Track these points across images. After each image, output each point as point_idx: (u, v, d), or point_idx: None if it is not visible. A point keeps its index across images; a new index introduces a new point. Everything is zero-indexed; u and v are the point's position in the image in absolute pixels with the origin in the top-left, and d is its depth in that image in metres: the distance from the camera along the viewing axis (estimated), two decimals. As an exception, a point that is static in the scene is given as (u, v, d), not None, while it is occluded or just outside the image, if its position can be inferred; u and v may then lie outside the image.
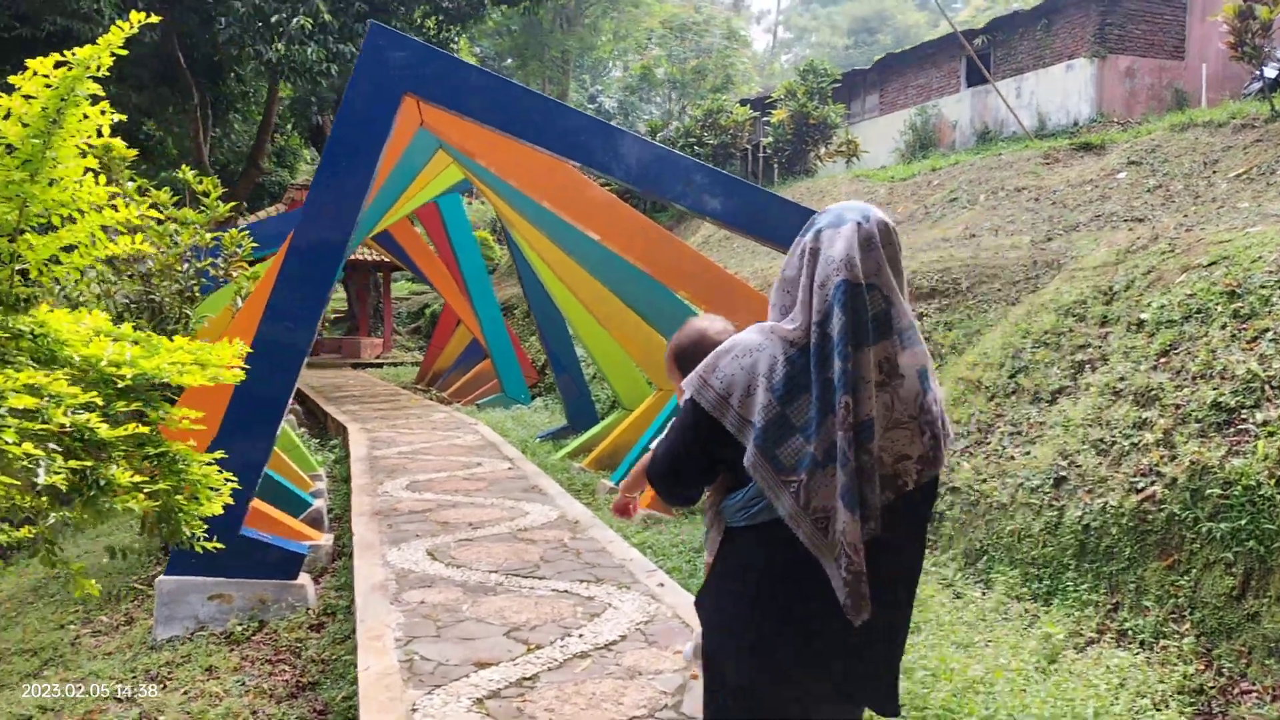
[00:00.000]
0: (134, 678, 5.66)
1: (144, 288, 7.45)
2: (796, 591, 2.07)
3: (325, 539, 7.59)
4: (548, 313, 12.92)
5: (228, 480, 3.23)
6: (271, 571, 6.31)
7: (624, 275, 9.24)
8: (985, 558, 6.30)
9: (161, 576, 6.20)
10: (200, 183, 7.51)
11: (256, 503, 7.31)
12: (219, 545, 3.35)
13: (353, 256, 25.06)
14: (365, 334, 27.53)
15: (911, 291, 10.54)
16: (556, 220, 8.97)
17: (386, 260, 23.67)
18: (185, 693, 5.36)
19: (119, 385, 3.01)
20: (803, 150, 22.82)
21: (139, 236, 7.35)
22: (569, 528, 7.13)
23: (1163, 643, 4.83)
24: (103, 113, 3.17)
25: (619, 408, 11.61)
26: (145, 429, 2.90)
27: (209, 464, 3.11)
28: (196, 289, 7.70)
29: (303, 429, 14.82)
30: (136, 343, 3.15)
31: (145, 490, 2.87)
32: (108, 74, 3.14)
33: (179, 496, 2.91)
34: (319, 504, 8.51)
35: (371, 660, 4.41)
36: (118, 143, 7.65)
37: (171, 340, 6.97)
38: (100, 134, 3.46)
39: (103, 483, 2.75)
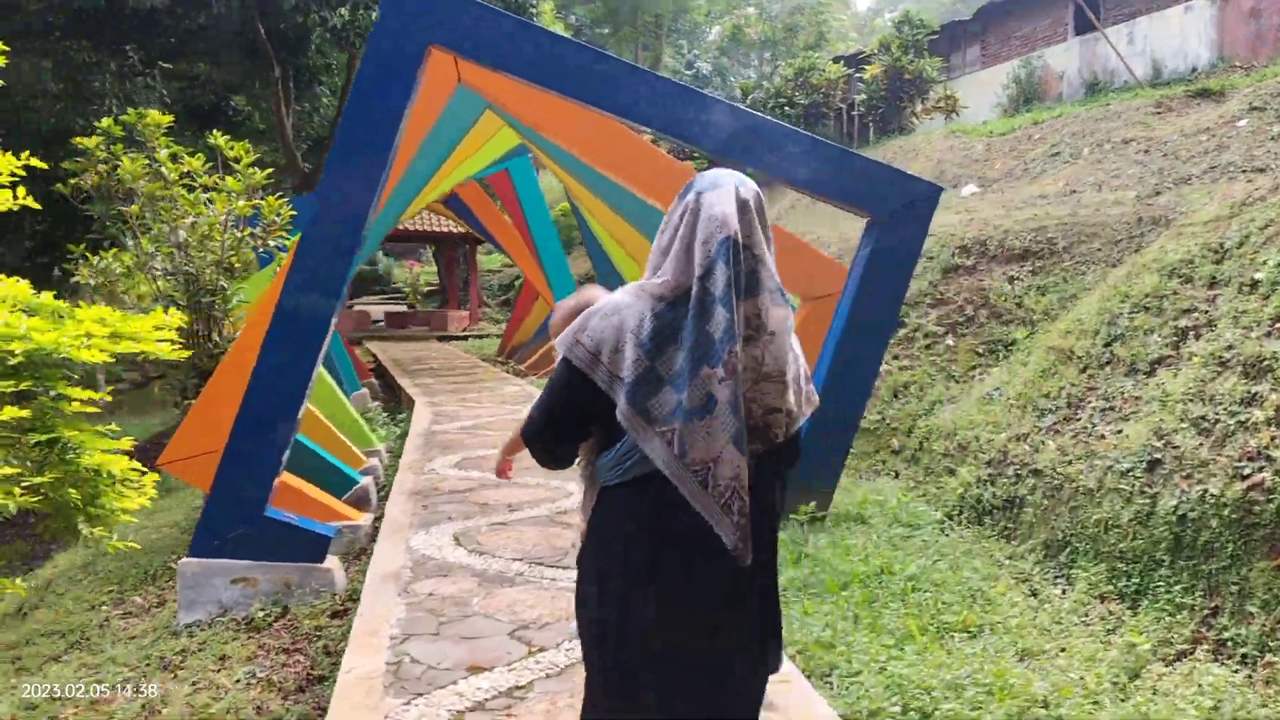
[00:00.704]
0: (148, 665, 5.43)
1: (181, 258, 7.23)
2: (670, 544, 2.13)
3: (365, 519, 7.30)
4: (612, 277, 12.46)
5: (145, 472, 2.82)
6: (297, 554, 6.02)
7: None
8: (1067, 550, 5.61)
9: (184, 559, 5.96)
10: (231, 148, 7.23)
11: (295, 482, 7.07)
12: (119, 545, 2.93)
13: (438, 229, 25.01)
14: (454, 306, 27.53)
15: (1003, 253, 9.72)
16: (614, 186, 8.47)
17: (473, 232, 23.50)
18: (194, 684, 5.09)
19: (9, 363, 2.64)
20: (897, 107, 21.75)
21: (163, 205, 7.18)
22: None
23: (1269, 658, 4.11)
24: None
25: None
26: (22, 412, 2.51)
27: (112, 452, 2.71)
28: (235, 260, 7.44)
29: (377, 402, 14.73)
30: (33, 312, 2.77)
31: (24, 484, 2.48)
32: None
33: (72, 490, 2.51)
34: (366, 482, 8.24)
35: (357, 660, 4.03)
36: (153, 113, 7.43)
37: (211, 314, 6.57)
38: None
39: (-36, 477, 2.37)
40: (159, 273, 7.17)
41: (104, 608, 6.60)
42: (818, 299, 7.62)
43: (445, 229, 24.62)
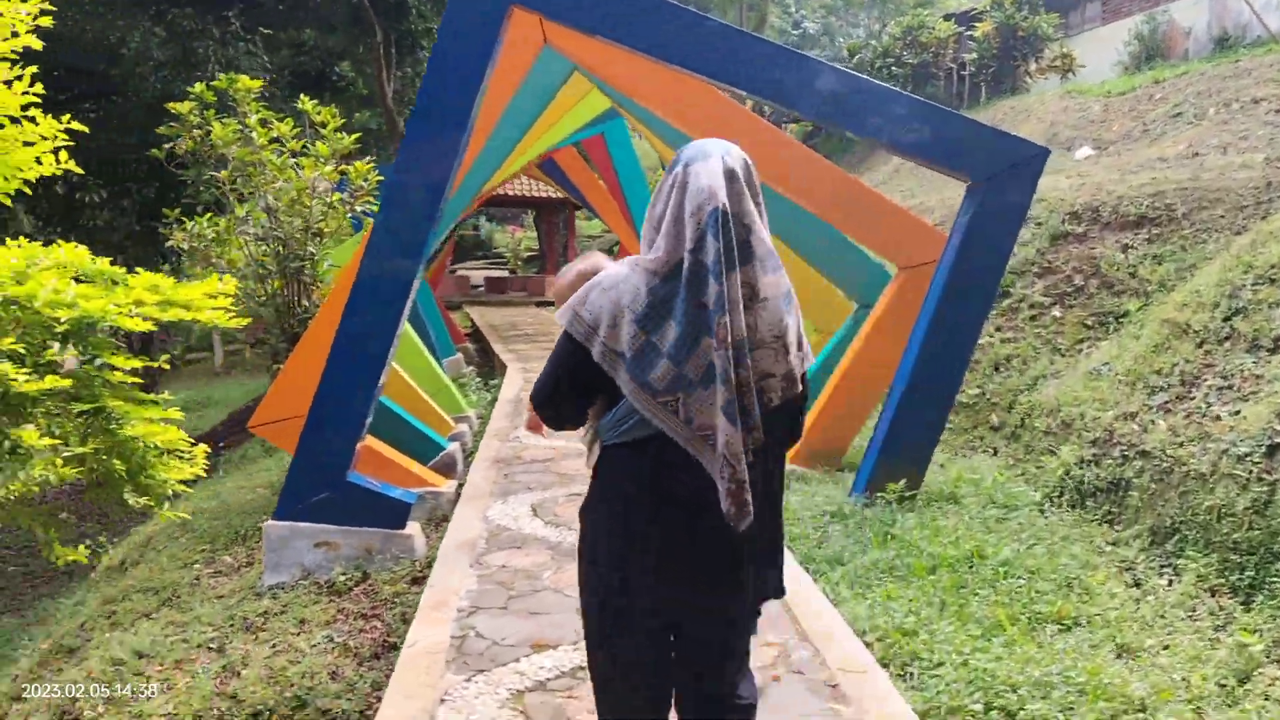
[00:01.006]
0: (232, 625, 5.53)
1: (270, 223, 7.31)
2: (670, 504, 2.20)
3: (449, 485, 7.30)
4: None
5: (198, 443, 2.78)
6: (379, 520, 6.04)
7: (784, 214, 8.38)
8: (1175, 538, 5.24)
9: (269, 521, 6.04)
10: (319, 113, 7.25)
11: (379, 447, 7.11)
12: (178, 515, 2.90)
13: (537, 194, 25.05)
14: (553, 271, 27.62)
15: (1117, 219, 9.18)
16: None
17: (571, 197, 23.47)
18: (274, 646, 5.16)
19: (56, 330, 2.61)
20: (1010, 66, 20.82)
21: (252, 170, 7.25)
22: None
23: (1400, 666, 3.75)
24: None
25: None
26: (63, 382, 2.47)
27: (161, 421, 2.66)
28: (324, 225, 7.49)
29: (471, 367, 14.85)
30: (86, 279, 2.73)
31: (66, 454, 2.45)
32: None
33: (115, 460, 2.48)
34: (453, 448, 8.26)
35: (422, 633, 3.99)
36: (244, 78, 7.48)
37: (300, 279, 6.64)
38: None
39: (9, 445, 2.34)
40: (250, 238, 7.26)
41: (196, 566, 6.77)
42: (915, 267, 7.29)
43: (544, 194, 24.65)
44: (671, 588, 2.22)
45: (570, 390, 2.29)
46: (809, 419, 7.56)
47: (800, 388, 2.32)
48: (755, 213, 2.22)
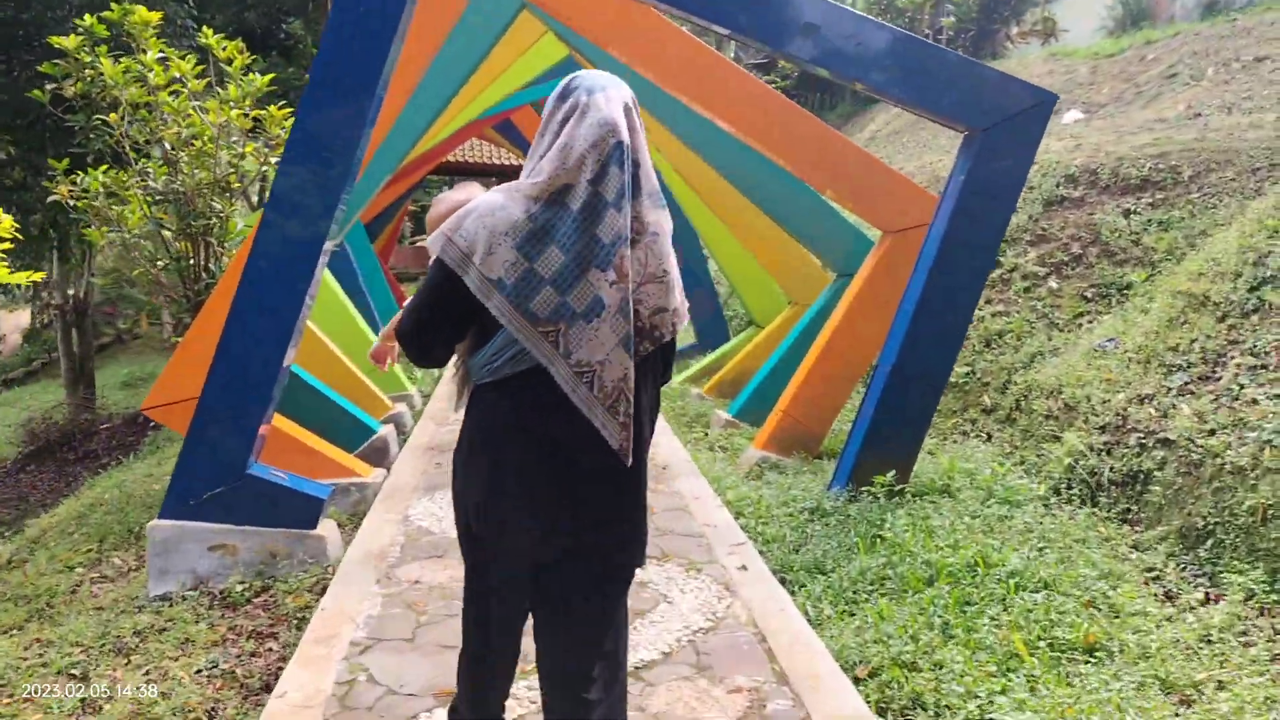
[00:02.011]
0: (103, 646, 4.65)
1: (169, 176, 6.38)
2: (543, 444, 2.13)
3: (377, 475, 6.44)
4: (677, 222, 11.42)
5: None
6: (285, 518, 5.18)
7: (758, 173, 7.62)
8: (1210, 542, 4.49)
9: (154, 521, 5.15)
10: (224, 49, 6.31)
11: (295, 431, 6.25)
12: None
13: (497, 161, 24.02)
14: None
15: (1116, 183, 8.42)
16: (677, 109, 7.40)
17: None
18: (147, 673, 4.29)
19: None
20: (990, 30, 20.06)
21: (142, 113, 6.31)
22: (654, 475, 5.71)
23: None
24: None
25: (753, 325, 10.03)
26: None
27: None
28: (233, 179, 6.56)
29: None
30: None
31: None
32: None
33: None
34: (385, 431, 7.40)
35: (297, 680, 3.16)
36: (140, 9, 6.50)
37: (205, 240, 5.68)
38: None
39: None
40: (142, 194, 6.32)
41: (79, 570, 5.86)
42: (901, 232, 6.49)
43: (507, 162, 23.64)
44: (548, 534, 2.16)
45: (441, 321, 2.18)
46: (783, 400, 6.78)
47: (684, 321, 2.29)
48: (643, 149, 2.17)
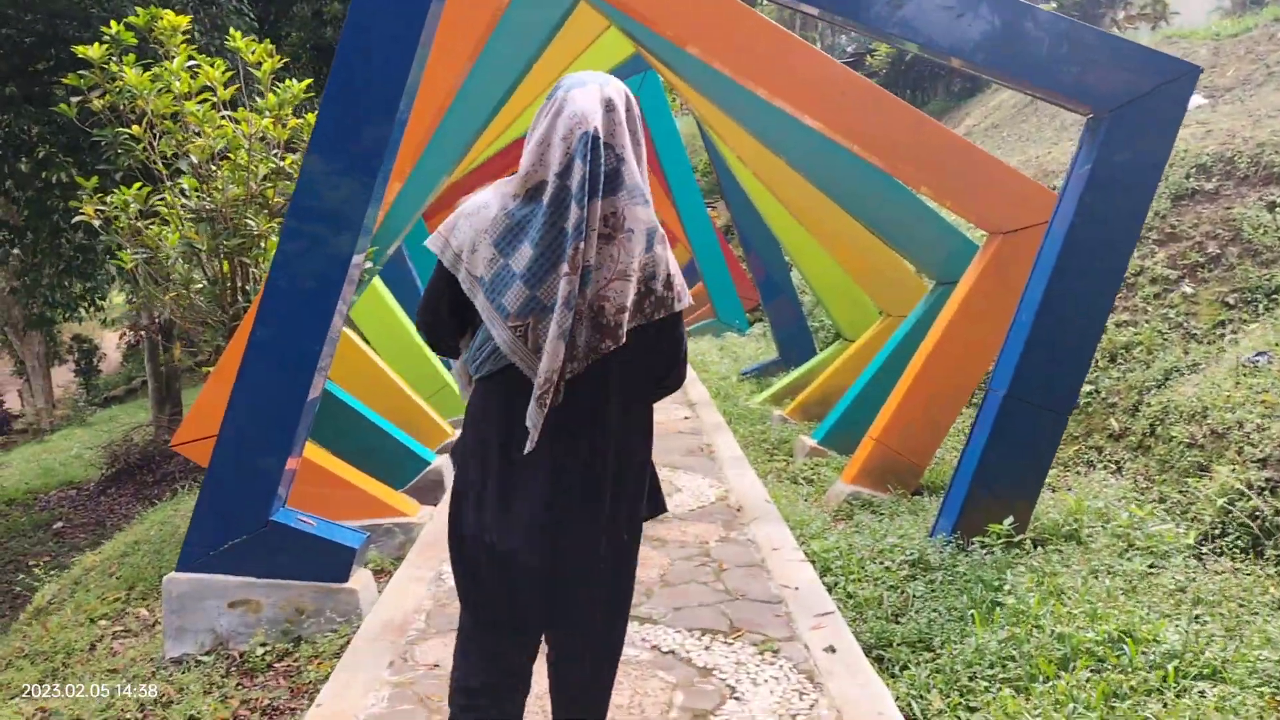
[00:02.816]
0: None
1: (202, 192, 5.89)
2: (519, 436, 2.13)
3: (424, 514, 5.84)
4: (756, 228, 10.67)
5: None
6: (312, 570, 4.60)
7: (845, 172, 6.86)
8: None
9: (170, 574, 4.62)
10: (253, 52, 5.80)
11: (332, 464, 5.71)
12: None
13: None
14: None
15: (1257, 173, 7.40)
16: (756, 106, 6.70)
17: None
18: (143, 759, 3.75)
19: None
20: (1095, 15, 18.80)
21: (166, 124, 5.83)
22: (726, 519, 4.98)
23: None
24: None
25: (841, 339, 9.22)
26: None
27: None
28: (271, 193, 6.05)
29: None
30: None
31: None
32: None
33: None
34: (440, 463, 6.81)
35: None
36: (168, 13, 6.04)
37: (240, 260, 5.11)
38: None
39: None
40: (179, 212, 5.85)
41: (102, 622, 5.39)
42: (1013, 232, 5.67)
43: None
44: (528, 527, 2.15)
45: (446, 317, 2.27)
46: (876, 426, 5.99)
47: (664, 312, 2.21)
48: (630, 146, 2.17)
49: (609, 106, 2.12)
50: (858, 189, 6.91)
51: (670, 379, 2.32)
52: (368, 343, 9.54)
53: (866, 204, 6.93)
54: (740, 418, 7.97)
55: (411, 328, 8.82)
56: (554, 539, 2.16)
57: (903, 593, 4.20)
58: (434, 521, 5.16)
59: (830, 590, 4.19)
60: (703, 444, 6.79)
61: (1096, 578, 4.14)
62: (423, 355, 8.70)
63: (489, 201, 2.15)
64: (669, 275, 2.20)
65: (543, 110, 2.18)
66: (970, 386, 5.94)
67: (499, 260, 2.08)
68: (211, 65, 5.87)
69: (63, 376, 30.13)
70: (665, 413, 7.90)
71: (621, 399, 2.20)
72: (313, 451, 5.79)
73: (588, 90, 2.13)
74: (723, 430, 7.20)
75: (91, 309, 14.37)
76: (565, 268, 2.02)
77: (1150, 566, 4.32)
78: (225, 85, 5.83)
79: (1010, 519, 4.59)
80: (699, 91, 7.16)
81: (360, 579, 4.75)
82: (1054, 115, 14.82)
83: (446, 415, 8.72)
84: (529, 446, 2.06)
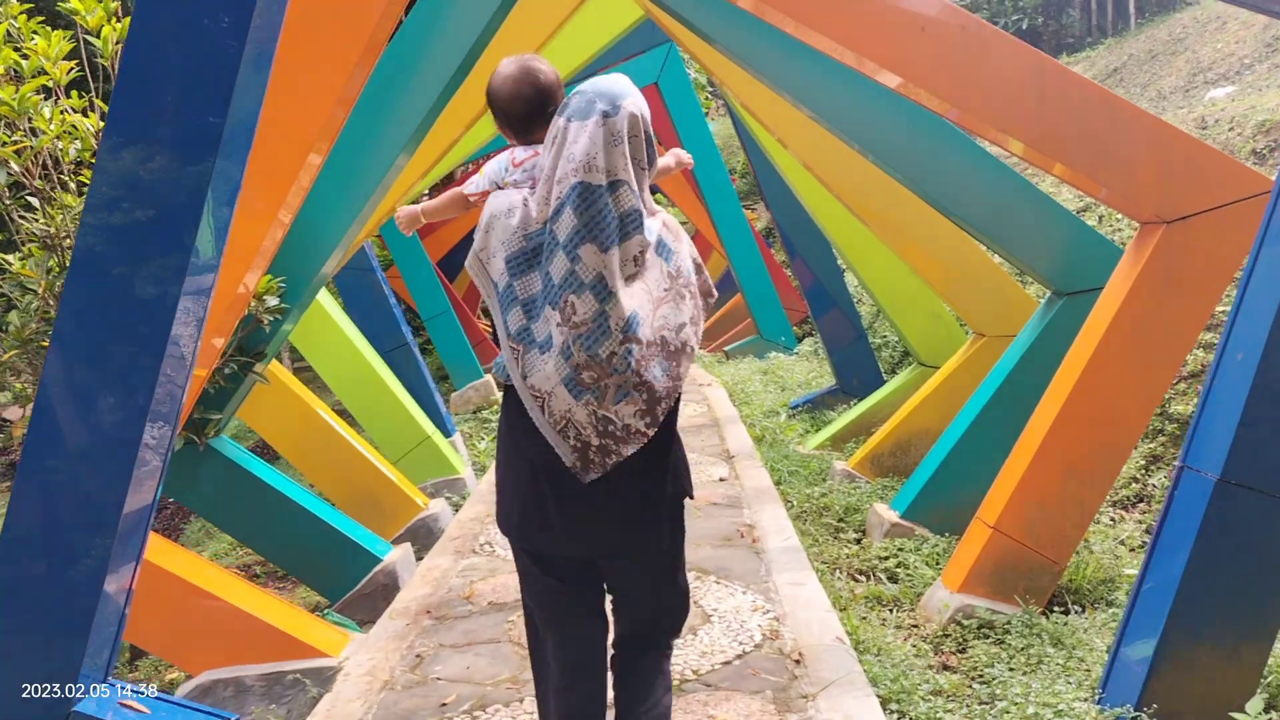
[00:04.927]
0: None
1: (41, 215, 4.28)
2: (533, 444, 2.16)
3: (349, 649, 4.11)
4: (803, 228, 8.88)
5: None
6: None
7: (925, 148, 5.11)
8: None
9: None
10: (92, 14, 4.14)
11: (224, 587, 4.04)
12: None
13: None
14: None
15: None
16: (807, 64, 5.01)
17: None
18: None
19: None
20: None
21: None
22: (779, 683, 3.20)
23: None
24: None
25: (913, 363, 7.38)
26: None
27: None
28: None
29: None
30: None
31: None
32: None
33: None
34: (395, 558, 5.12)
35: None
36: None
37: None
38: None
39: None
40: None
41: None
42: (1182, 220, 3.88)
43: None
44: (560, 528, 2.20)
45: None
46: (990, 504, 4.22)
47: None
48: (634, 170, 2.04)
49: (614, 140, 2.00)
50: (943, 168, 5.11)
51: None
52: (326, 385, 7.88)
53: (956, 188, 5.12)
54: (793, 474, 6.17)
55: (380, 364, 7.15)
56: (587, 531, 2.19)
57: None
58: (340, 682, 3.45)
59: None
60: (744, 524, 5.01)
61: None
62: (395, 401, 7.01)
63: (515, 208, 2.11)
64: (694, 323, 2.18)
65: (551, 128, 2.10)
66: (1128, 445, 4.11)
67: (506, 278, 2.09)
68: (42, 38, 4.23)
69: None
70: (696, 469, 6.13)
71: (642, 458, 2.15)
72: (191, 565, 4.14)
73: (589, 126, 2.00)
74: (769, 499, 5.41)
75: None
76: (557, 316, 2.02)
77: None
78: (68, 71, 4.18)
79: (1230, 680, 2.78)
80: (734, 54, 5.35)
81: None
82: (1185, 72, 12.82)
83: (427, 476, 7.04)
84: (587, 476, 2.07)
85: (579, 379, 2.01)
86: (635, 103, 2.05)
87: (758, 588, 4.06)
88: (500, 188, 2.23)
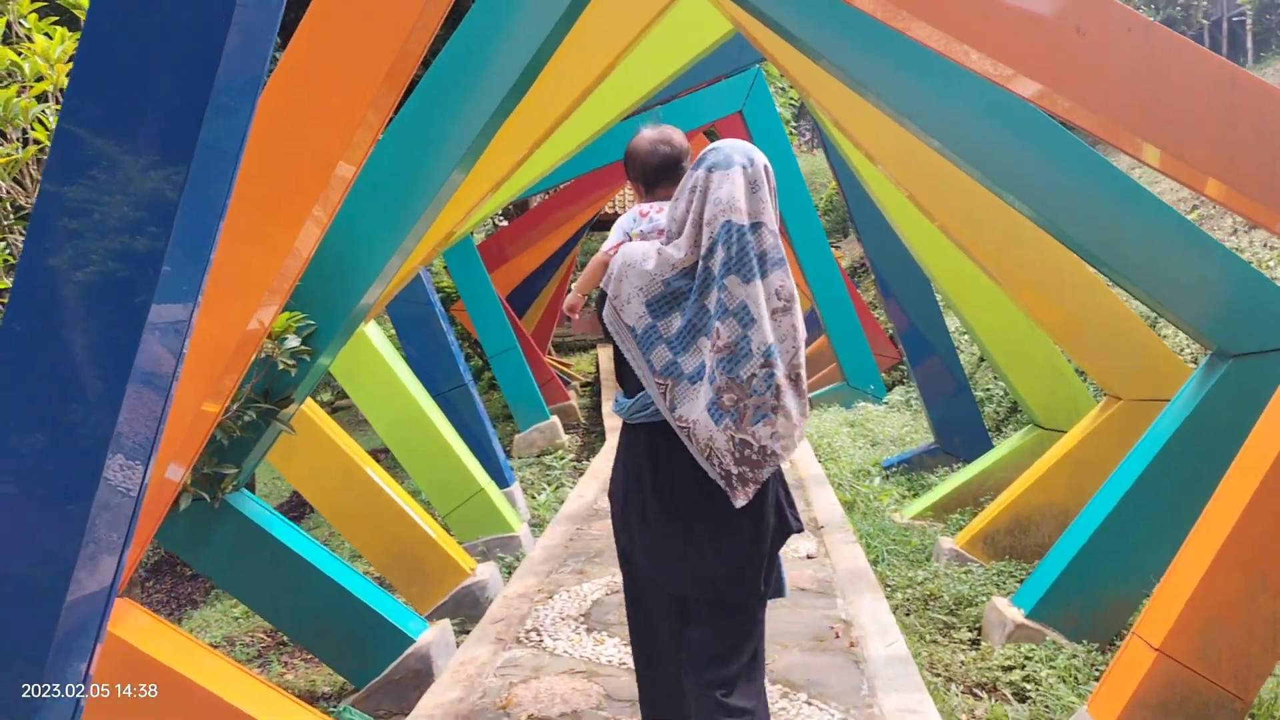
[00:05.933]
0: None
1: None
2: (657, 479, 2.39)
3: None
4: (898, 264, 8.07)
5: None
6: None
7: (1069, 181, 4.35)
8: None
9: None
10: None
11: (205, 678, 3.39)
12: None
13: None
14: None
15: None
16: (922, 75, 4.33)
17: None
18: None
19: None
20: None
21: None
22: None
23: None
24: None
25: (1027, 424, 6.51)
26: None
27: None
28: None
29: (572, 434, 11.05)
30: None
31: None
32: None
33: None
34: (428, 641, 4.45)
35: None
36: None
37: None
38: None
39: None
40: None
41: None
42: None
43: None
44: (652, 549, 2.41)
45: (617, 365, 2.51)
46: (1151, 617, 3.39)
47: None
48: (773, 220, 2.25)
49: (754, 187, 2.23)
50: (1083, 200, 4.32)
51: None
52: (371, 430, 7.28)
53: (1100, 225, 4.32)
54: (891, 552, 5.36)
55: (431, 407, 6.52)
56: (686, 561, 2.36)
57: None
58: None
59: None
60: (837, 620, 4.22)
61: None
62: (446, 449, 6.37)
63: (649, 257, 2.31)
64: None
65: (685, 185, 2.29)
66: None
67: (647, 319, 2.29)
68: (40, 37, 3.70)
69: None
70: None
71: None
72: (178, 649, 3.50)
73: (731, 174, 2.21)
74: (867, 586, 4.61)
75: None
76: (709, 344, 2.20)
77: None
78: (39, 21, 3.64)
79: None
80: (837, 66, 4.62)
81: None
82: None
83: (479, 533, 6.38)
84: (739, 501, 2.20)
85: (720, 402, 2.16)
86: (765, 160, 2.30)
87: (860, 712, 3.27)
88: (630, 238, 2.46)
